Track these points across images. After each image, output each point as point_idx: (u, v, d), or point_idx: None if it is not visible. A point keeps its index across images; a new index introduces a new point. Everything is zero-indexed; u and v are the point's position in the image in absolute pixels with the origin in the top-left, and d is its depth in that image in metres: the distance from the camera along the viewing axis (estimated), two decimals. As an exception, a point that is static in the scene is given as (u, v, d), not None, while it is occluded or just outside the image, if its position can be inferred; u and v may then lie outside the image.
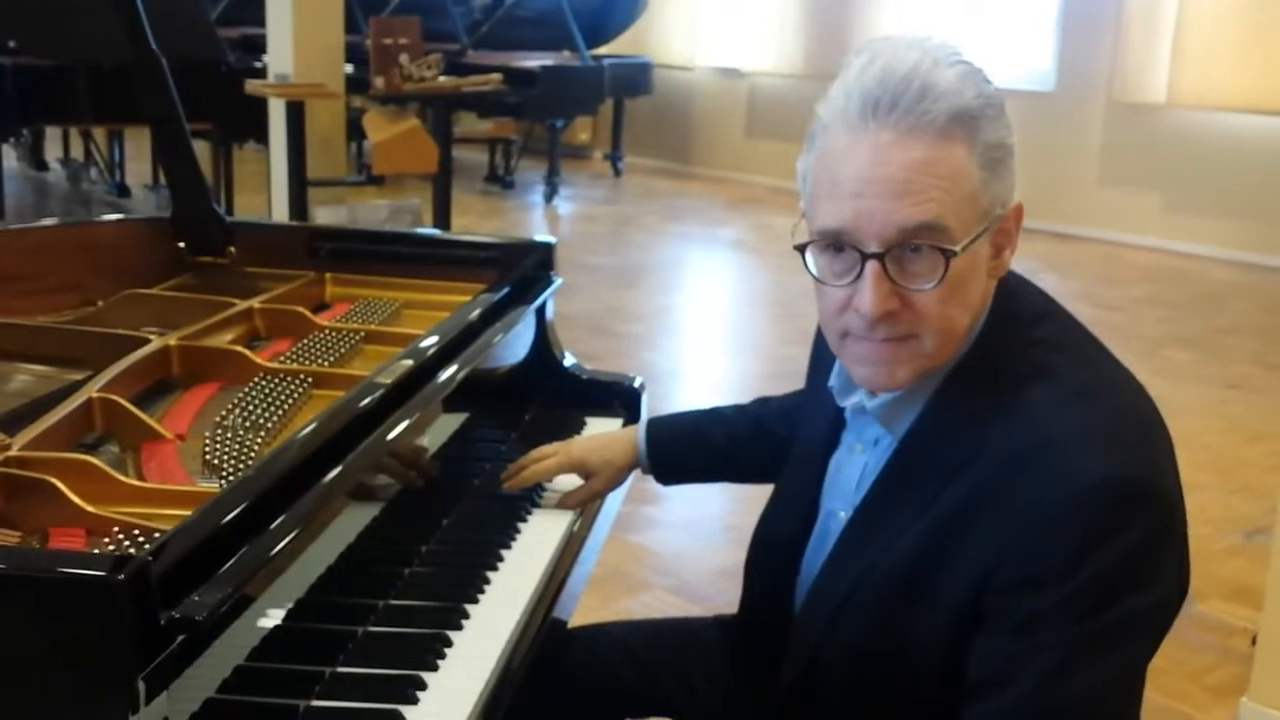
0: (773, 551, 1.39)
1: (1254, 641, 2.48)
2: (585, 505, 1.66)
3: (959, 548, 1.10)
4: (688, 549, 3.18)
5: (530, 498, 1.67)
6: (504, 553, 1.51)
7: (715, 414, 1.67)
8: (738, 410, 1.67)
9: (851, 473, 1.27)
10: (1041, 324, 1.17)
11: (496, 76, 6.79)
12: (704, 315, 5.99)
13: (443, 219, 6.26)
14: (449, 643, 1.28)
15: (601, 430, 1.96)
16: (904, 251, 1.07)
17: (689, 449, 1.64)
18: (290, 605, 1.19)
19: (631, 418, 2.04)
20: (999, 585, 1.06)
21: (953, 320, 1.11)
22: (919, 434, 1.16)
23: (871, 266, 1.07)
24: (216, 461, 1.38)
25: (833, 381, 1.27)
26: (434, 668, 1.23)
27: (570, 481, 1.69)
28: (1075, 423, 1.08)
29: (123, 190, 7.88)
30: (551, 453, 1.64)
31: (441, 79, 6.31)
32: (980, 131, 1.07)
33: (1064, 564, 1.03)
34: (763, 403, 1.66)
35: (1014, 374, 1.12)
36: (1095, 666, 1.04)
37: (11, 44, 5.86)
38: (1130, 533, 1.04)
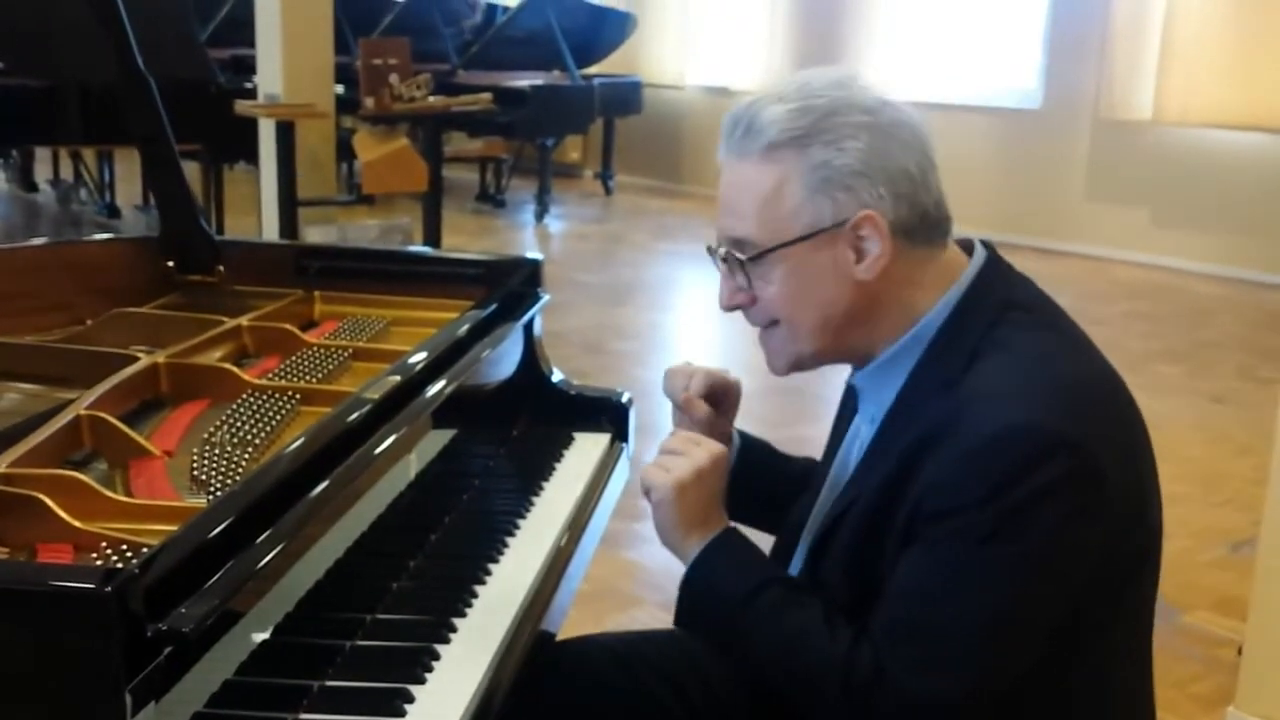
0: (786, 533, 1.44)
1: (1240, 652, 2.49)
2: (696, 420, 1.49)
3: (906, 490, 1.18)
4: (678, 565, 3.18)
5: (518, 512, 1.68)
6: (491, 566, 1.52)
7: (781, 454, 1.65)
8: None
9: (853, 448, 1.35)
10: (1014, 308, 1.24)
11: (486, 96, 6.82)
12: (695, 332, 6.01)
13: (433, 238, 6.28)
14: (436, 656, 1.29)
15: (590, 445, 1.98)
16: (736, 258, 1.25)
17: (770, 465, 1.58)
18: (278, 619, 1.19)
19: (620, 433, 2.05)
20: (922, 513, 1.16)
21: (797, 314, 1.25)
22: (897, 404, 1.25)
23: (720, 264, 1.28)
24: (204, 478, 1.39)
25: None
26: (421, 681, 1.24)
27: (549, 512, 1.68)
28: (1011, 380, 1.17)
29: (112, 211, 7.89)
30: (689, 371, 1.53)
31: (431, 99, 6.34)
32: (808, 155, 1.19)
33: (976, 498, 1.12)
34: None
35: (977, 348, 1.20)
36: (986, 589, 1.12)
37: (0, 65, 5.88)
38: (1038, 476, 1.11)
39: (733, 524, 1.34)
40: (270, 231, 6.15)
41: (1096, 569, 1.16)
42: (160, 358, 1.68)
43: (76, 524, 1.20)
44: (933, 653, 1.13)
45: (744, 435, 1.57)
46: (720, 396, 1.50)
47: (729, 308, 1.29)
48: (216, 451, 1.46)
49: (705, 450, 1.31)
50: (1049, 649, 1.16)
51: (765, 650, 1.24)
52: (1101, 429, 1.17)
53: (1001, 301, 1.23)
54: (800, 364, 1.29)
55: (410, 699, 1.21)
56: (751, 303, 1.27)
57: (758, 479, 1.53)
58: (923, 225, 1.22)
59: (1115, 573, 1.19)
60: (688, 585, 1.28)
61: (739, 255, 1.25)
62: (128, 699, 0.90)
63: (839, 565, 1.27)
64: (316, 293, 2.10)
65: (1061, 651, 1.18)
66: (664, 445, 1.34)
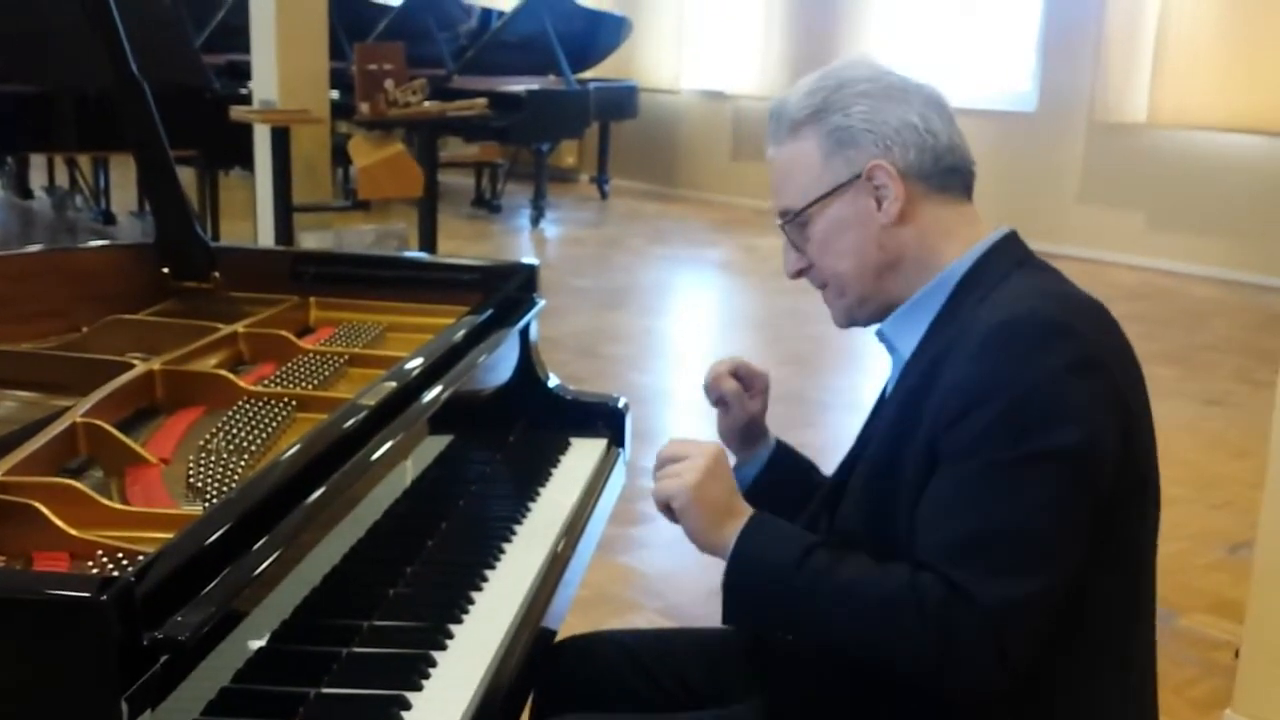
0: (816, 504, 1.45)
1: (1237, 654, 2.49)
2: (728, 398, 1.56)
3: (922, 413, 1.23)
4: (676, 570, 3.18)
5: (515, 518, 1.68)
6: (488, 573, 1.52)
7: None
8: None
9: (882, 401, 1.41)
10: (1029, 265, 1.33)
11: (482, 101, 6.82)
12: (691, 337, 6.01)
13: (429, 243, 6.28)
14: (433, 663, 1.29)
15: (586, 450, 1.98)
16: (786, 226, 1.37)
17: (800, 466, 1.59)
18: (275, 626, 1.19)
19: (616, 438, 2.05)
20: (942, 424, 1.20)
21: (837, 265, 1.35)
22: (918, 350, 1.32)
23: (783, 237, 1.39)
24: (200, 485, 1.39)
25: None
26: (418, 687, 1.24)
27: (546, 517, 1.69)
28: (1010, 292, 1.27)
29: (108, 218, 7.89)
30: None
31: (427, 104, 6.34)
32: (823, 124, 1.33)
33: (988, 386, 1.17)
34: None
35: (992, 290, 1.28)
36: (1019, 494, 1.15)
37: (-5, 72, 5.88)
38: (1048, 357, 1.17)
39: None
40: (266, 237, 6.14)
41: (1117, 464, 1.19)
42: (156, 365, 1.68)
43: (72, 532, 1.20)
44: (999, 559, 1.15)
45: (780, 442, 1.60)
46: (748, 380, 1.57)
47: (793, 274, 1.40)
48: (212, 459, 1.46)
49: (702, 449, 1.33)
50: (1096, 556, 1.19)
51: (831, 609, 1.22)
52: (1110, 343, 1.24)
53: (1018, 260, 1.33)
54: (852, 315, 1.38)
55: (407, 706, 1.21)
56: (809, 267, 1.38)
57: (784, 486, 1.54)
58: (937, 168, 1.32)
59: (1123, 483, 1.21)
60: (735, 573, 1.26)
61: (785, 221, 1.37)
62: (124, 707, 0.90)
63: (855, 509, 1.31)
64: (312, 299, 2.10)
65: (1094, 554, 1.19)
66: (661, 455, 1.35)
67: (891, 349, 1.38)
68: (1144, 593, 1.30)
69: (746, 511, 1.30)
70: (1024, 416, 1.16)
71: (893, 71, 1.36)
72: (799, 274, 1.40)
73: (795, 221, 1.35)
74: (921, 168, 1.31)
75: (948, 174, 1.33)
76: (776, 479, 1.56)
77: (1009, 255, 1.33)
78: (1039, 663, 1.18)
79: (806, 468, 1.59)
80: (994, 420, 1.16)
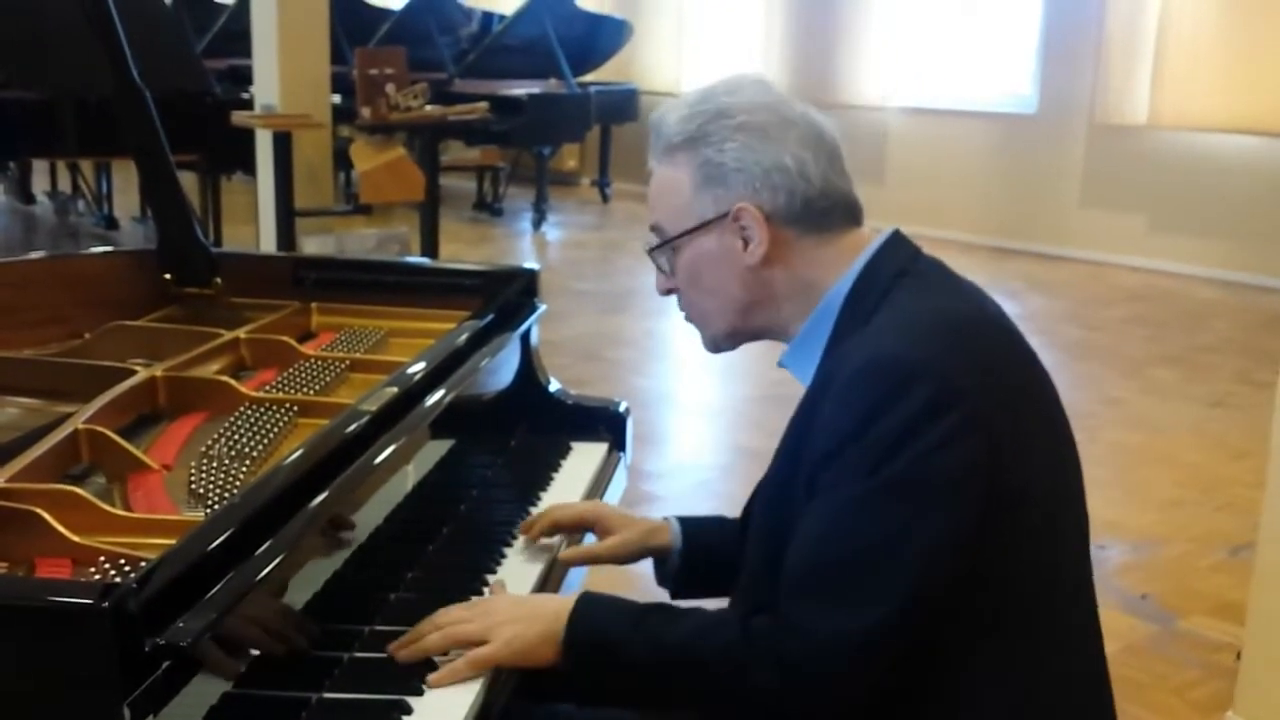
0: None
1: (1238, 656, 2.49)
2: (579, 563, 1.63)
3: (803, 450, 1.24)
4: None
5: (516, 522, 1.68)
6: (489, 577, 1.52)
7: (729, 519, 1.65)
8: None
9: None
10: (909, 275, 1.31)
11: (483, 105, 6.83)
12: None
13: (430, 247, 6.28)
14: (434, 667, 1.29)
15: (587, 454, 1.98)
16: (654, 249, 1.38)
17: (718, 533, 1.58)
18: (278, 630, 1.20)
19: (617, 442, 2.05)
20: (814, 460, 1.21)
21: (701, 300, 1.37)
22: (815, 377, 1.30)
23: (647, 253, 1.40)
24: (202, 491, 1.40)
25: None
26: (419, 692, 1.24)
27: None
28: (876, 325, 1.25)
29: (110, 223, 7.90)
30: (573, 505, 1.66)
31: (428, 108, 6.34)
32: (696, 154, 1.32)
33: (853, 429, 1.17)
34: None
35: (873, 311, 1.28)
36: (880, 517, 1.15)
37: (-3, 78, 5.89)
38: (907, 403, 1.16)
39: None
40: (268, 242, 6.15)
41: (975, 499, 1.16)
42: (158, 371, 1.69)
43: (75, 539, 1.21)
44: (832, 591, 1.16)
45: (683, 520, 1.60)
46: (592, 526, 1.60)
47: (662, 293, 1.41)
48: (214, 465, 1.46)
49: (456, 610, 1.32)
50: (945, 591, 1.16)
51: (672, 667, 1.23)
52: (972, 365, 1.20)
53: (898, 270, 1.30)
54: (718, 344, 1.41)
55: (408, 710, 1.21)
56: (677, 290, 1.39)
57: (713, 553, 1.55)
58: (807, 212, 1.30)
59: (992, 524, 1.17)
60: (573, 654, 1.26)
61: (656, 244, 1.38)
62: (126, 713, 0.91)
63: (757, 536, 1.31)
64: (314, 304, 2.11)
65: (955, 601, 1.17)
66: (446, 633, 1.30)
67: (802, 381, 1.36)
68: (1049, 607, 1.24)
69: (566, 601, 1.29)
70: (877, 456, 1.15)
71: (777, 100, 1.33)
72: (668, 293, 1.40)
73: (664, 247, 1.36)
74: (790, 212, 1.30)
75: (819, 216, 1.31)
76: (700, 552, 1.56)
77: (890, 264, 1.31)
78: (932, 682, 1.18)
79: (719, 529, 1.58)
80: (851, 461, 1.17)
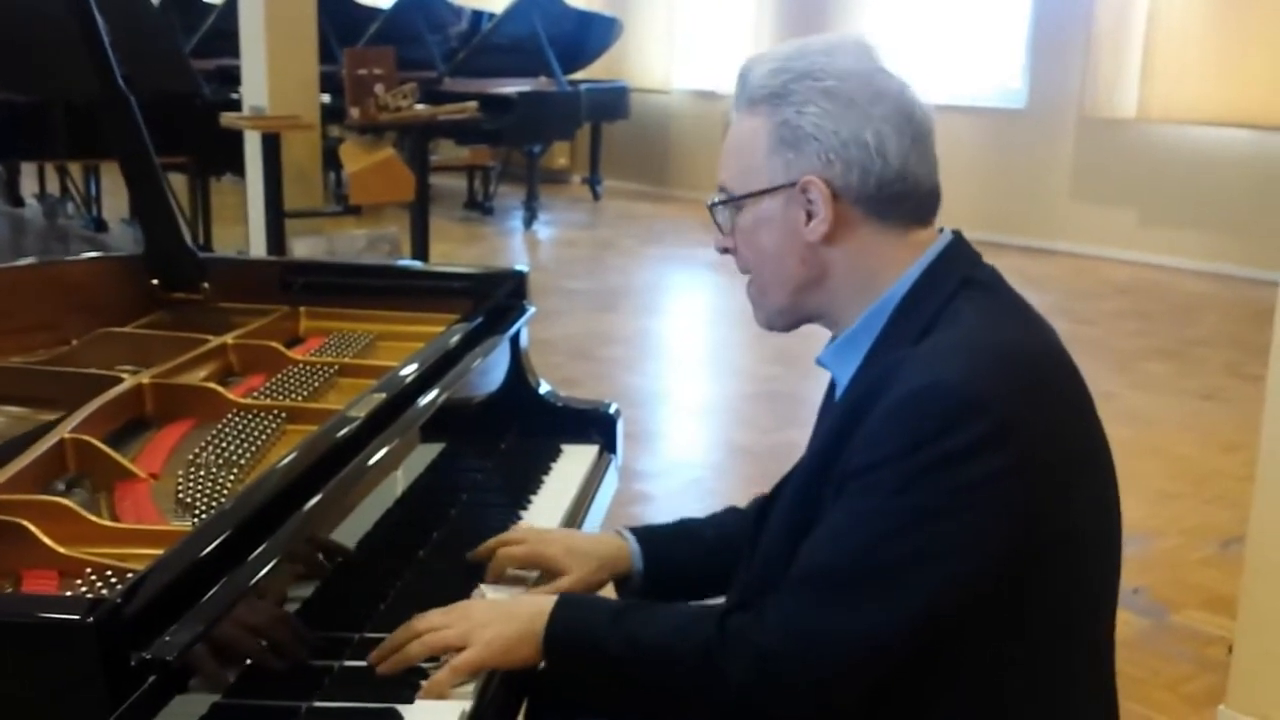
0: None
1: (1230, 650, 2.50)
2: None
3: (843, 450, 1.19)
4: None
5: (506, 527, 1.68)
6: (480, 583, 1.52)
7: (693, 520, 1.63)
8: (716, 514, 1.62)
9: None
10: (973, 285, 1.26)
11: (473, 104, 6.82)
12: (685, 337, 6.01)
13: (421, 247, 6.27)
14: (425, 675, 1.29)
15: (578, 456, 1.98)
16: (717, 205, 1.33)
17: (680, 541, 1.56)
18: (266, 640, 1.19)
19: (608, 444, 2.05)
20: (848, 469, 1.17)
21: (758, 265, 1.31)
22: (855, 378, 1.27)
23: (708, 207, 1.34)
24: (189, 500, 1.39)
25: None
26: (409, 700, 1.24)
27: (538, 525, 1.67)
28: (948, 344, 1.19)
29: (99, 225, 7.87)
30: (519, 540, 1.54)
31: (418, 107, 6.33)
32: (776, 112, 1.25)
33: (892, 452, 1.13)
34: (734, 509, 1.62)
35: (931, 321, 1.23)
36: (902, 536, 1.12)
37: (-17, 81, 5.86)
38: (956, 437, 1.11)
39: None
40: (257, 243, 6.14)
41: (1007, 548, 1.13)
42: (145, 378, 1.68)
43: (61, 550, 1.20)
44: (834, 590, 1.14)
45: (640, 533, 1.54)
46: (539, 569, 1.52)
47: (719, 250, 1.36)
48: (202, 473, 1.45)
49: (431, 617, 1.30)
50: (953, 624, 1.14)
51: (646, 660, 1.22)
52: (1032, 410, 1.15)
53: (962, 278, 1.25)
54: (770, 320, 1.35)
55: (399, 718, 1.21)
56: (734, 250, 1.33)
57: (678, 564, 1.53)
58: (879, 195, 1.24)
59: (1024, 564, 1.15)
60: (552, 652, 1.25)
61: (719, 200, 1.33)
62: (112, 728, 0.90)
63: (777, 531, 1.28)
64: (302, 308, 2.10)
65: (959, 638, 1.15)
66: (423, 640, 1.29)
67: (835, 379, 1.34)
68: (1077, 655, 1.23)
69: (545, 602, 1.28)
70: (912, 478, 1.12)
71: (874, 69, 1.25)
72: (725, 251, 1.35)
73: (728, 204, 1.31)
74: (862, 191, 1.23)
75: (890, 202, 1.24)
76: (663, 566, 1.52)
77: (952, 270, 1.25)
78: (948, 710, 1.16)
79: (687, 532, 1.56)
80: (885, 477, 1.13)
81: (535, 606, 1.28)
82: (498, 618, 1.28)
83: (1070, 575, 1.19)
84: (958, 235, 1.30)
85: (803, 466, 1.29)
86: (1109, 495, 1.26)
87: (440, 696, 1.24)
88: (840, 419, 1.22)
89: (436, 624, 1.29)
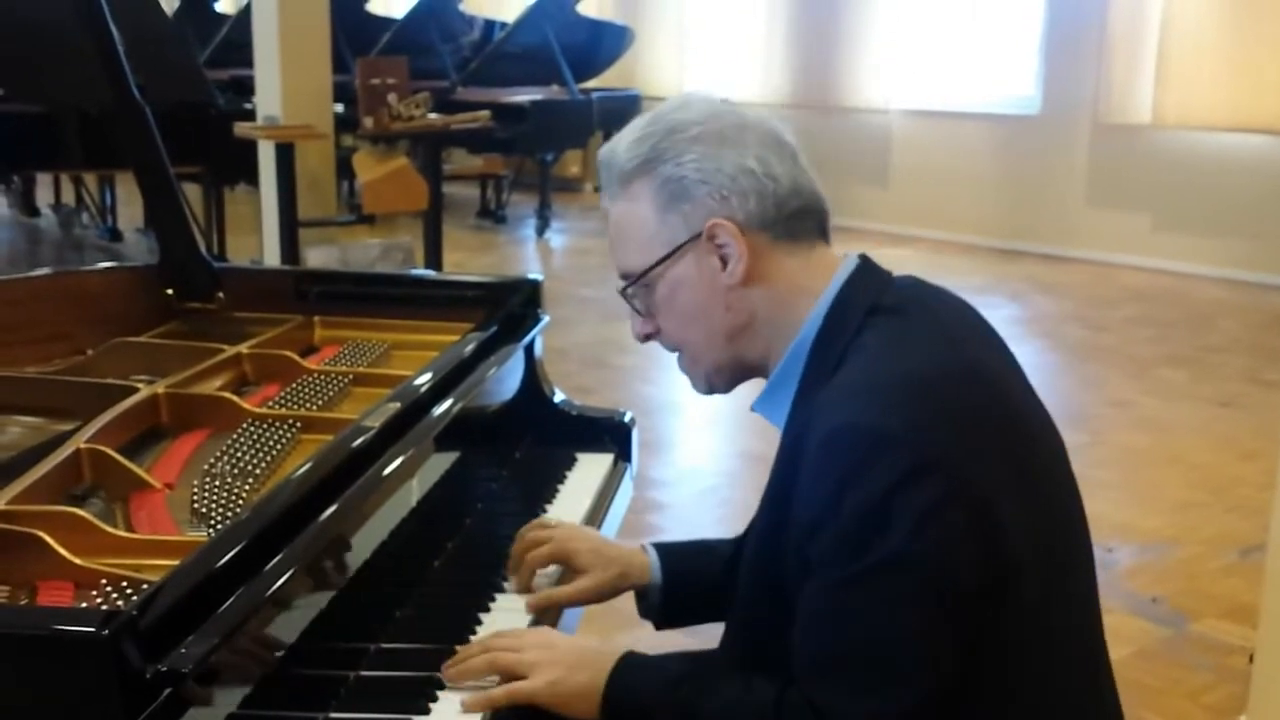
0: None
1: (1251, 660, 2.47)
2: (551, 609, 1.49)
3: (790, 505, 1.17)
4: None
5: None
6: (496, 593, 1.51)
7: (714, 540, 1.60)
8: (740, 535, 1.59)
9: None
10: (880, 312, 1.23)
11: (485, 113, 6.83)
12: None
13: (434, 256, 6.28)
14: (441, 685, 1.28)
15: (592, 465, 1.97)
16: (628, 291, 1.30)
17: (700, 559, 1.53)
18: (282, 651, 1.19)
19: (623, 453, 2.04)
20: (800, 525, 1.16)
21: (685, 333, 1.29)
22: (788, 424, 1.25)
23: (622, 296, 1.32)
24: (205, 510, 1.39)
25: None
26: (425, 711, 1.23)
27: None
28: (845, 383, 1.17)
29: (115, 235, 7.91)
30: (545, 528, 1.55)
31: (430, 117, 6.34)
32: (654, 175, 1.25)
33: (827, 501, 1.12)
34: None
35: (842, 355, 1.21)
36: (868, 611, 1.10)
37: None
38: (876, 474, 1.09)
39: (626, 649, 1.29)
40: (271, 253, 6.15)
41: (970, 567, 1.11)
42: (160, 388, 1.68)
43: (77, 561, 1.20)
44: (859, 677, 1.11)
45: (662, 548, 1.53)
46: (563, 563, 1.51)
47: (641, 339, 1.34)
48: (217, 483, 1.45)
49: (510, 637, 1.29)
50: (969, 656, 1.12)
51: None
52: (949, 430, 1.13)
53: (868, 306, 1.23)
54: (712, 383, 1.33)
55: (415, 730, 1.20)
56: (657, 331, 1.32)
57: (697, 581, 1.51)
58: (780, 215, 1.24)
59: (987, 577, 1.12)
60: (607, 715, 1.23)
61: (626, 286, 1.30)
62: (128, 741, 0.90)
63: (749, 582, 1.27)
64: (316, 318, 2.10)
65: (977, 663, 1.13)
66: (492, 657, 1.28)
67: (770, 419, 1.32)
68: (1061, 665, 1.20)
69: (610, 656, 1.25)
70: (859, 534, 1.09)
71: (727, 109, 1.27)
72: (648, 338, 1.32)
73: (637, 285, 1.28)
74: (764, 217, 1.23)
75: (794, 219, 1.24)
76: (683, 582, 1.51)
77: (858, 300, 1.23)
78: None
79: (698, 553, 1.54)
80: (834, 538, 1.11)
81: (605, 662, 1.25)
82: (569, 662, 1.25)
83: (1030, 588, 1.15)
84: (864, 259, 1.29)
85: (760, 517, 1.27)
86: (1055, 502, 1.23)
87: (484, 708, 1.23)
88: (782, 466, 1.21)
89: (509, 645, 1.28)
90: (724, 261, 1.24)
